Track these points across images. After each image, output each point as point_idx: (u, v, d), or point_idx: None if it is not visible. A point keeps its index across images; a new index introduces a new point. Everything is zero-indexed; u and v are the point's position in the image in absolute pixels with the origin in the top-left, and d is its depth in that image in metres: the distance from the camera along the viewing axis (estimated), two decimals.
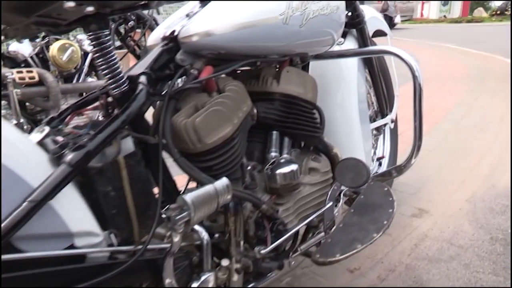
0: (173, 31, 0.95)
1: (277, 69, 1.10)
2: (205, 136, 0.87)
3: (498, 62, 6.68)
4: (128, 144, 0.83)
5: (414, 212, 1.85)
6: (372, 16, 1.61)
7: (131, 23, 2.62)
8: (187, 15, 0.99)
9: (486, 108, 3.62)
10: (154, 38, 1.01)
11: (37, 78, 2.10)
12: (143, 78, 0.87)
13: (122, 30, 2.80)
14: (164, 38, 0.96)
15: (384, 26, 1.73)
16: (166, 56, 0.94)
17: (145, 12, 2.76)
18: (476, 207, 1.87)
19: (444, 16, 26.48)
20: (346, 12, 1.36)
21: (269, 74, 1.07)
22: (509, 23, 20.61)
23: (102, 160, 0.78)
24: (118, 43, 2.88)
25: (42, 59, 2.37)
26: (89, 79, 2.47)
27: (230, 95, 0.92)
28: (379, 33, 1.74)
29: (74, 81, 2.41)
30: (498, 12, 26.77)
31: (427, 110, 3.56)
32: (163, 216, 0.79)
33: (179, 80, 0.96)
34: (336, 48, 1.37)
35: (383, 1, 19.17)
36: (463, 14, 27.42)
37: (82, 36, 2.50)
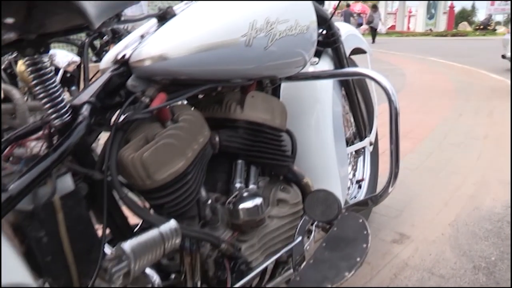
0: (125, 55, 0.86)
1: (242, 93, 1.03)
2: (154, 172, 0.79)
3: (482, 76, 6.72)
4: (66, 182, 0.74)
5: (395, 237, 1.77)
6: (350, 34, 1.54)
7: (106, 37, 2.54)
8: (142, 36, 0.91)
9: (470, 125, 3.59)
10: (106, 60, 0.92)
11: (2, 95, 2.00)
12: (86, 108, 0.78)
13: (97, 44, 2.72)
14: (115, 62, 0.88)
15: (363, 44, 1.67)
16: (117, 81, 0.86)
17: (121, 26, 2.69)
18: (459, 231, 1.80)
19: (430, 29, 26.86)
20: (321, 30, 1.30)
21: (233, 100, 0.99)
22: (491, 37, 21.01)
23: (35, 201, 0.69)
24: (94, 58, 2.80)
25: (11, 75, 2.27)
26: None
27: (184, 126, 0.84)
28: (359, 51, 1.68)
29: None
30: (481, 27, 27.31)
31: (413, 126, 3.52)
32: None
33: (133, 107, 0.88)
34: (310, 68, 1.31)
35: (369, 13, 19.63)
36: (448, 27, 27.85)
37: (53, 51, 2.41)
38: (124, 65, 0.86)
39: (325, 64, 1.31)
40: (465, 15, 47.69)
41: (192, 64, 0.85)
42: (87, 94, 0.82)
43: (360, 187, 1.78)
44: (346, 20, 20.55)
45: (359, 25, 24.59)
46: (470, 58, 9.79)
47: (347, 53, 1.51)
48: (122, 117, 0.81)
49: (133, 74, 0.85)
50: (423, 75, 6.84)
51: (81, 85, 2.51)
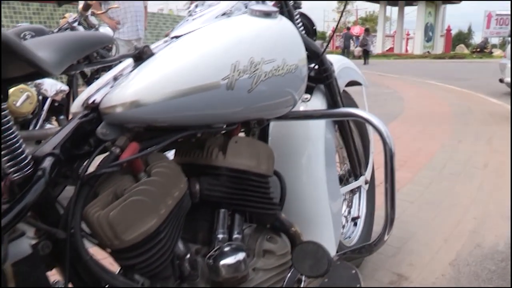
0: (95, 99, 0.80)
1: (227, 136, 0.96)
2: (122, 232, 0.71)
3: (481, 101, 6.70)
4: (21, 246, 0.66)
5: (392, 278, 1.68)
6: (344, 67, 1.49)
7: (108, 58, 2.49)
8: (115, 78, 0.85)
9: (469, 153, 3.52)
10: (77, 104, 0.85)
11: None
12: (48, 160, 0.71)
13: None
14: (85, 107, 0.81)
15: (358, 76, 1.61)
16: (86, 129, 0.79)
17: (111, 52, 2.64)
18: (460, 272, 1.71)
19: (428, 52, 27.06)
20: (313, 65, 1.23)
21: (215, 145, 0.92)
22: (488, 60, 21.16)
23: None
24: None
25: None
26: (48, 126, 2.31)
27: (157, 180, 0.76)
28: (355, 83, 1.62)
29: (31, 127, 2.24)
30: (478, 50, 27.57)
31: (412, 154, 3.44)
32: None
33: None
34: (301, 106, 1.24)
35: (362, 36, 20.27)
36: (446, 50, 28.10)
37: (41, 80, 2.36)
38: (94, 111, 0.80)
39: (317, 101, 1.24)
40: (462, 38, 48.23)
41: (168, 110, 0.78)
42: (51, 144, 0.75)
43: (355, 224, 1.70)
44: (346, 42, 20.82)
45: (357, 47, 24.83)
46: (468, 81, 9.80)
47: (342, 86, 1.45)
48: (90, 170, 0.74)
49: (104, 121, 0.79)
50: (421, 100, 6.81)
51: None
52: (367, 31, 21.48)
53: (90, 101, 0.81)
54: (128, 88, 0.78)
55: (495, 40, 32.63)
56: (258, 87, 0.86)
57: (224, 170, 0.91)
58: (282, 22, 0.98)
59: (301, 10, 1.31)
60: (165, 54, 0.84)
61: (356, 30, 26.60)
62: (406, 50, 30.10)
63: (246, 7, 1.02)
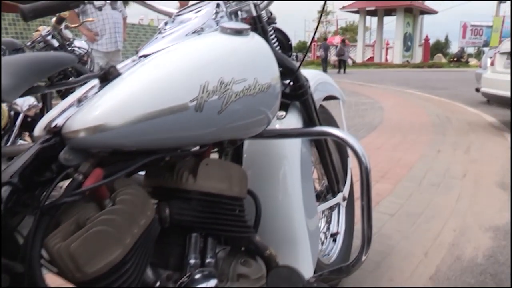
0: (56, 124, 0.76)
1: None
2: (84, 264, 0.67)
3: (458, 110, 6.81)
4: None
5: None
6: (321, 82, 1.47)
7: (72, 78, 2.44)
8: (80, 100, 0.81)
9: (448, 163, 3.55)
10: (39, 128, 0.81)
11: None
12: (5, 190, 0.67)
13: None
14: (47, 131, 0.77)
15: (336, 91, 1.60)
16: (47, 154, 0.75)
17: (87, 67, 2.59)
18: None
19: (407, 61, 27.55)
20: (287, 82, 1.21)
21: (185, 168, 0.89)
22: (465, 69, 21.66)
23: None
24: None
25: None
26: (20, 142, 2.24)
27: (122, 208, 0.73)
28: (332, 97, 1.60)
29: (3, 143, 2.17)
30: (455, 59, 28.24)
31: (391, 165, 3.46)
32: None
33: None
34: (276, 123, 1.22)
35: (339, 46, 21.08)
36: (424, 59, 28.62)
37: None
38: (56, 135, 0.76)
39: (292, 119, 1.22)
40: (440, 47, 49.30)
41: (134, 134, 0.75)
42: (9, 171, 0.71)
43: (335, 240, 1.68)
44: (325, 52, 21.11)
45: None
46: (446, 90, 9.97)
47: (319, 102, 1.43)
48: (53, 196, 0.70)
49: (67, 146, 0.75)
50: (401, 109, 6.89)
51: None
52: (343, 41, 22.61)
53: (53, 125, 0.77)
54: (92, 111, 0.74)
55: (470, 50, 33.44)
56: (228, 108, 0.83)
57: (194, 194, 0.88)
58: (254, 39, 0.95)
59: (276, 25, 1.30)
60: (132, 75, 0.81)
61: (337, 40, 26.91)
62: (386, 59, 30.58)
63: (217, 24, 0.99)
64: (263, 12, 1.16)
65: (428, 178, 3.13)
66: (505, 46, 5.20)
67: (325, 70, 18.34)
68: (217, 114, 0.82)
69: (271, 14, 1.25)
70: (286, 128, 1.18)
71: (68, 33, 2.45)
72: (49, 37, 2.38)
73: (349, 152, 1.66)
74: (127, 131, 0.74)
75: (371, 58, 30.10)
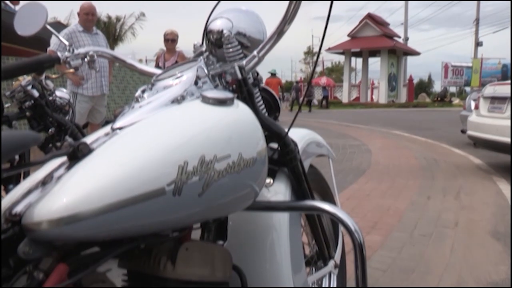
0: (16, 212, 0.67)
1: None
2: None
3: (445, 152, 6.84)
4: None
5: None
6: (310, 142, 1.41)
7: (52, 130, 2.35)
8: (44, 183, 0.73)
9: (439, 210, 3.49)
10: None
11: None
12: None
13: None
14: (5, 219, 0.68)
15: (325, 150, 1.54)
16: (4, 247, 0.66)
17: (68, 117, 2.52)
18: None
19: (393, 100, 28.04)
20: (275, 147, 1.14)
21: (163, 253, 0.80)
22: (449, 108, 22.14)
23: None
24: None
25: None
26: None
27: None
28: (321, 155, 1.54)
29: None
30: (439, 99, 28.93)
31: (381, 214, 3.38)
32: None
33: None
34: (263, 191, 1.14)
35: (308, 89, 22.26)
36: (409, 99, 29.21)
37: None
38: (16, 225, 0.67)
39: (280, 186, 1.14)
40: (423, 86, 50.49)
41: (105, 225, 0.67)
42: None
43: None
44: (295, 94, 21.70)
45: (325, 97, 25.57)
46: (432, 131, 10.07)
47: (308, 163, 1.37)
48: None
49: (26, 238, 0.66)
50: (388, 151, 6.88)
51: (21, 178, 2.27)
52: (310, 84, 23.74)
53: (13, 212, 0.68)
54: (57, 199, 0.66)
55: (453, 89, 34.30)
56: (210, 189, 0.76)
57: (173, 283, 0.79)
58: (239, 109, 0.89)
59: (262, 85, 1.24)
60: (104, 155, 0.73)
61: (323, 80, 27.41)
62: (372, 99, 31.13)
63: (199, 90, 0.93)
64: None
65: (419, 228, 3.05)
66: (488, 91, 5.29)
67: (291, 110, 19.91)
68: (197, 196, 0.74)
69: (258, 74, 1.20)
70: (273, 200, 1.10)
71: (49, 83, 2.38)
72: (29, 87, 2.30)
73: (339, 203, 1.58)
74: (97, 221, 0.66)
75: (357, 98, 30.62)
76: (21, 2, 8.90)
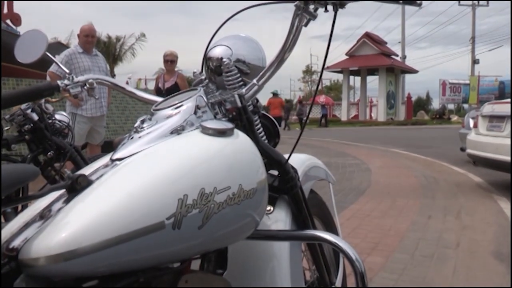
0: (13, 247, 0.67)
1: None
2: None
3: (445, 170, 6.82)
4: None
5: None
6: (311, 167, 1.41)
7: (51, 153, 2.35)
8: (42, 217, 0.72)
9: (440, 230, 3.46)
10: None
11: None
12: None
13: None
14: (2, 254, 0.68)
15: (326, 174, 1.54)
16: (1, 282, 0.65)
17: (67, 140, 2.52)
18: None
19: (391, 118, 28.11)
20: (276, 174, 1.14)
21: (162, 286, 0.79)
22: (447, 125, 22.24)
23: None
24: None
25: None
26: None
27: None
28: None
29: None
30: (437, 116, 29.07)
31: (382, 235, 3.35)
32: None
33: None
34: (263, 218, 1.13)
35: (298, 107, 22.64)
36: (407, 116, 29.28)
37: None
38: (12, 260, 0.66)
39: (281, 213, 1.13)
40: (422, 104, 50.72)
41: (104, 260, 0.66)
42: None
43: None
44: (286, 114, 21.88)
45: (324, 115, 25.68)
46: (431, 149, 10.07)
47: (308, 189, 1.36)
48: None
49: (23, 274, 0.65)
50: (388, 170, 6.87)
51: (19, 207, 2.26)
52: (300, 102, 25.02)
53: (10, 246, 0.67)
54: (55, 234, 0.65)
55: (451, 106, 34.48)
56: (210, 222, 0.75)
57: None
58: (239, 139, 0.89)
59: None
60: (103, 188, 0.73)
61: (322, 99, 27.55)
62: (370, 117, 31.22)
63: (199, 121, 0.93)
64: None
65: (420, 249, 3.02)
66: (486, 110, 5.31)
67: (284, 129, 19.90)
68: (197, 229, 0.74)
69: (257, 101, 1.20)
70: (274, 228, 1.09)
71: (49, 107, 2.39)
72: (28, 111, 2.31)
73: (341, 235, 1.57)
74: (96, 257, 0.65)
75: (356, 116, 30.70)
76: (22, 15, 8.98)
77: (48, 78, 4.35)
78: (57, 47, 8.77)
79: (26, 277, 0.65)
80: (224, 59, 1.07)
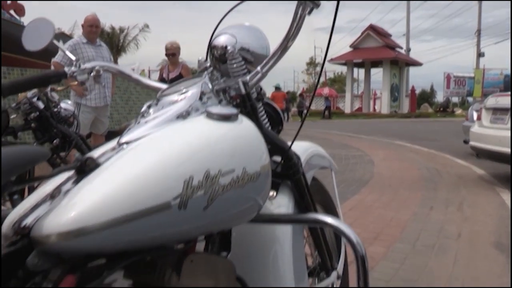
0: (25, 225, 0.69)
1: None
2: None
3: (448, 162, 6.82)
4: None
5: None
6: (313, 155, 1.43)
7: (56, 141, 2.38)
8: (52, 196, 0.75)
9: (442, 221, 3.49)
10: (8, 225, 0.74)
11: None
12: None
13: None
14: (14, 231, 0.70)
15: (328, 162, 1.56)
16: (13, 259, 0.68)
17: (72, 128, 2.55)
18: None
19: (395, 111, 28.03)
20: (279, 160, 1.16)
21: (168, 265, 0.81)
22: (451, 119, 22.19)
23: None
24: None
25: None
26: None
27: None
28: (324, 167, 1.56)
29: None
30: (441, 109, 28.97)
31: (384, 225, 3.38)
32: None
33: None
34: (266, 203, 1.15)
35: (298, 100, 22.75)
36: (411, 109, 29.18)
37: None
38: (25, 238, 0.69)
39: (283, 198, 1.16)
40: (426, 97, 50.47)
41: (112, 238, 0.68)
42: None
43: None
44: (287, 105, 22.00)
45: (327, 107, 25.65)
46: (434, 142, 10.06)
47: (311, 176, 1.38)
48: None
49: (35, 250, 0.68)
50: (391, 162, 6.88)
51: (25, 194, 2.30)
52: (301, 95, 25.67)
53: (22, 224, 0.70)
54: (66, 213, 0.68)
55: (455, 99, 34.32)
56: (215, 203, 0.77)
57: None
58: (243, 125, 0.91)
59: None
60: (110, 170, 0.75)
61: (325, 91, 27.50)
62: (374, 109, 31.12)
63: (204, 106, 0.95)
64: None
65: (422, 239, 3.05)
66: (490, 102, 5.30)
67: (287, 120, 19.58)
68: (202, 210, 0.76)
69: (261, 89, 1.22)
70: (276, 212, 1.11)
71: (54, 95, 2.42)
72: (34, 99, 2.34)
73: (341, 214, 1.59)
74: (104, 235, 0.67)
75: (360, 108, 30.63)
76: (26, 7, 9.01)
77: (52, 68, 4.37)
78: (61, 37, 8.79)
79: (38, 254, 0.67)
80: (228, 47, 1.09)
